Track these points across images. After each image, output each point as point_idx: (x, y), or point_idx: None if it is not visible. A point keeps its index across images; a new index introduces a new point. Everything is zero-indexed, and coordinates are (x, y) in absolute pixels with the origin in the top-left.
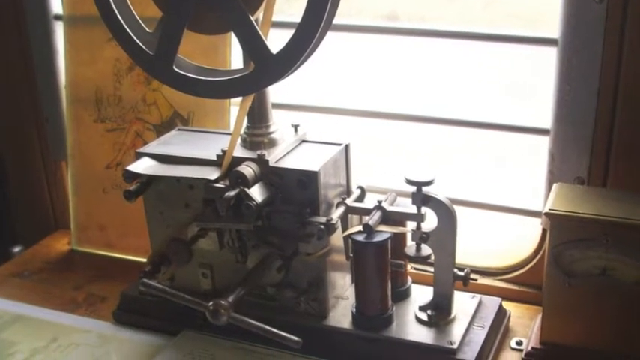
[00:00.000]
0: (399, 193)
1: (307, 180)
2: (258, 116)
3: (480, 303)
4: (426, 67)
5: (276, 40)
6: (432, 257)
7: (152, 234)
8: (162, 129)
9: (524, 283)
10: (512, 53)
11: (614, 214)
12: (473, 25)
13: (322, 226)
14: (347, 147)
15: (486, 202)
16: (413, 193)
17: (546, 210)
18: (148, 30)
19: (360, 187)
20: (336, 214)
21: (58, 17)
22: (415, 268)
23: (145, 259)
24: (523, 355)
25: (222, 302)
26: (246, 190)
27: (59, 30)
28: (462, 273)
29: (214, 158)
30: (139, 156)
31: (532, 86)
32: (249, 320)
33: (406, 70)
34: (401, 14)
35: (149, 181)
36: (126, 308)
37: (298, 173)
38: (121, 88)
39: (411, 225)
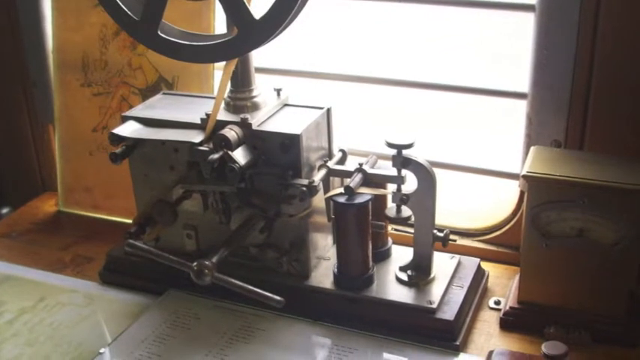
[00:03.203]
0: (380, 156)
1: (290, 143)
2: (241, 80)
3: (459, 263)
4: (408, 32)
5: (259, 6)
6: (412, 219)
7: (137, 196)
8: (147, 93)
9: (503, 244)
10: (493, 21)
11: (590, 176)
12: None
13: (304, 188)
14: (329, 110)
15: (465, 165)
16: (393, 156)
17: (524, 172)
18: None
19: (342, 150)
20: (318, 176)
21: None
22: (395, 230)
23: (130, 221)
24: (501, 315)
25: (206, 263)
26: (230, 152)
27: None
28: (441, 234)
29: (198, 122)
30: (124, 119)
31: (511, 52)
32: (233, 280)
33: (387, 36)
34: None
35: (134, 143)
36: (112, 269)
37: (281, 136)
38: (107, 53)
39: (391, 187)
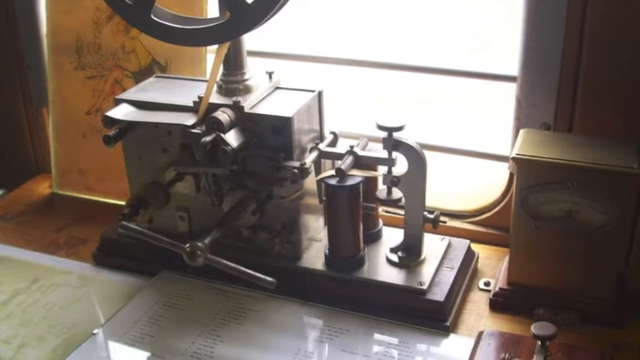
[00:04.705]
0: (371, 139)
1: (281, 125)
2: (233, 64)
3: (449, 245)
4: (402, 17)
5: None
6: (403, 201)
7: (131, 178)
8: (140, 76)
9: (492, 225)
10: (486, 9)
11: (579, 158)
12: None
13: (296, 170)
14: (320, 93)
15: (455, 147)
16: (384, 138)
17: (513, 154)
18: None
19: (333, 133)
20: (310, 158)
21: None
22: (386, 211)
23: (124, 203)
24: (491, 296)
25: (199, 244)
26: (222, 135)
27: None
28: (431, 216)
29: (191, 104)
30: (117, 102)
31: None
32: (225, 262)
33: (381, 20)
34: None
35: (128, 126)
36: (105, 250)
37: (273, 119)
38: (101, 37)
39: (382, 169)
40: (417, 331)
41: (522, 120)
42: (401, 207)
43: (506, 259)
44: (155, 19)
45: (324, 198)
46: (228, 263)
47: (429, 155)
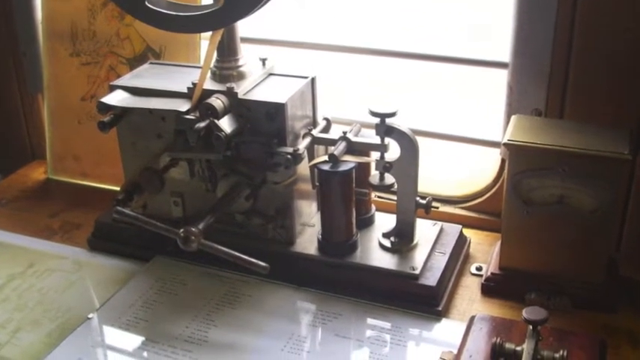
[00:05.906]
0: (364, 124)
1: (275, 111)
2: (227, 50)
3: (441, 230)
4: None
5: None
6: (395, 186)
7: (125, 163)
8: (135, 62)
9: (484, 211)
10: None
11: (570, 144)
12: None
13: (289, 156)
14: (313, 80)
15: (448, 133)
16: (376, 124)
17: (505, 140)
18: None
19: (326, 119)
20: (303, 144)
21: None
22: (379, 197)
23: (118, 188)
24: (483, 280)
25: (193, 229)
26: (216, 121)
27: None
28: (424, 201)
29: (185, 91)
30: (112, 88)
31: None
32: (219, 247)
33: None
34: None
35: (122, 112)
36: (100, 235)
37: (266, 105)
38: (96, 23)
39: (374, 155)
40: (410, 315)
41: (514, 106)
42: (393, 192)
43: (498, 244)
44: (149, 5)
45: (317, 183)
46: (222, 248)
47: (421, 141)
